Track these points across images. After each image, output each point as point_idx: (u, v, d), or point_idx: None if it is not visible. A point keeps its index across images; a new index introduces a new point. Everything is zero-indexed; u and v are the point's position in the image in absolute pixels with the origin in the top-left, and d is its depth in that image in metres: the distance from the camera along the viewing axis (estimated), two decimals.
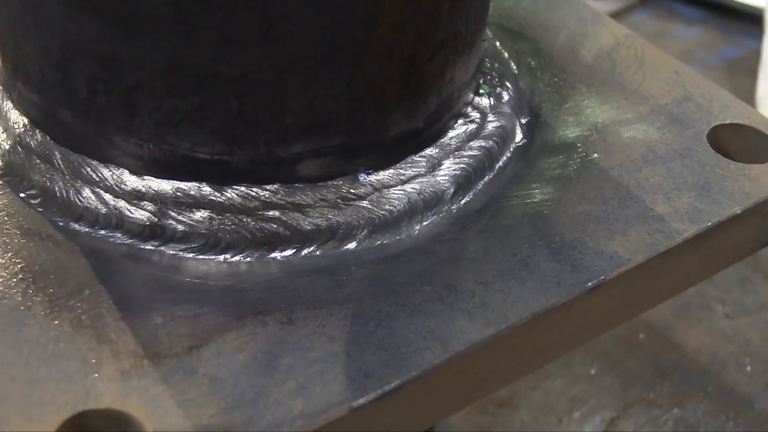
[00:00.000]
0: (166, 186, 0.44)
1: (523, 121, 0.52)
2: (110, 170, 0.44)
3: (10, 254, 0.43)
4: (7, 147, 0.46)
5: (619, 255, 0.45)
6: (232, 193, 0.44)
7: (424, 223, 0.46)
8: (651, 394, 0.78)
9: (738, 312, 0.84)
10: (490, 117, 0.50)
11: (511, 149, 0.51)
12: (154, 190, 0.44)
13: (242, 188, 0.44)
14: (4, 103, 0.47)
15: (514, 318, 0.42)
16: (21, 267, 0.43)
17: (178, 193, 0.44)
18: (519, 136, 0.52)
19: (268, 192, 0.44)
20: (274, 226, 0.44)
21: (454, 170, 0.47)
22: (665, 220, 0.47)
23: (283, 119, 0.42)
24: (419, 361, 0.40)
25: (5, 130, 0.47)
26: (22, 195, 0.45)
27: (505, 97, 0.52)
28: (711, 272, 0.51)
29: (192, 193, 0.44)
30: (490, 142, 0.49)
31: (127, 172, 0.44)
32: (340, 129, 0.44)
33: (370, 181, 0.45)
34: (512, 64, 0.56)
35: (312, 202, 0.44)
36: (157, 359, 0.40)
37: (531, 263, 0.45)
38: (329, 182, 0.45)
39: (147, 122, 0.42)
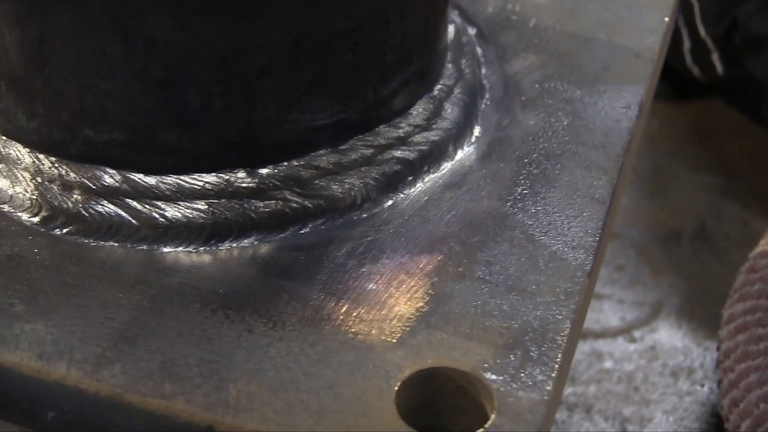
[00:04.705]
0: (286, 168, 0.43)
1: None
2: (227, 175, 0.42)
3: (174, 296, 0.40)
4: (70, 204, 0.41)
5: (632, 96, 0.51)
6: (349, 150, 0.44)
7: (481, 119, 0.49)
8: None
9: None
10: (455, 19, 0.53)
11: (474, 39, 0.54)
12: (281, 175, 0.42)
13: (354, 141, 0.44)
14: (45, 162, 0.42)
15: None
16: (200, 301, 0.40)
17: (301, 170, 0.43)
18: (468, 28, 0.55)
19: (376, 136, 0.44)
20: (393, 166, 0.44)
21: (471, 67, 0.50)
22: (637, 52, 0.54)
23: (385, 57, 0.43)
24: (580, 263, 0.42)
25: (66, 188, 0.42)
26: (129, 245, 0.42)
27: None
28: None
29: (314, 163, 0.43)
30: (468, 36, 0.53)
31: (244, 171, 0.42)
32: (420, 53, 0.45)
33: (434, 97, 0.47)
34: None
35: (410, 131, 0.45)
36: (419, 316, 0.39)
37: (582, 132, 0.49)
38: (412, 110, 0.46)
39: (269, 109, 0.41)
